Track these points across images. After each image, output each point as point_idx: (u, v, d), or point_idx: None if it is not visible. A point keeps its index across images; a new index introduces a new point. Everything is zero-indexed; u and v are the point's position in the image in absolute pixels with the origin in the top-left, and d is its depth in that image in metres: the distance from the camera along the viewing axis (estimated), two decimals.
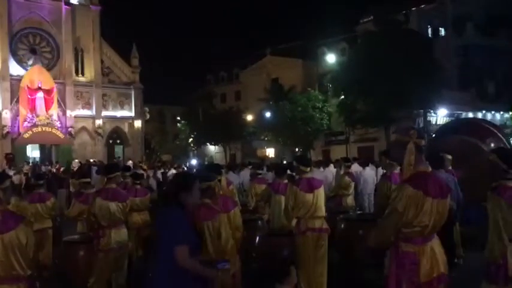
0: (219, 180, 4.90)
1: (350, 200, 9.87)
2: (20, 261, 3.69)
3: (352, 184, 9.91)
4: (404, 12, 31.68)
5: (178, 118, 46.86)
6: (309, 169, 6.08)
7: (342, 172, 10.35)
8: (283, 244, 6.33)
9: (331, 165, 12.97)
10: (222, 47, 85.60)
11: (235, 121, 40.49)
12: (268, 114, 36.23)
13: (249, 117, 40.75)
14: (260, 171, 9.78)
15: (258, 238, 6.92)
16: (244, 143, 42.89)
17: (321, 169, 12.34)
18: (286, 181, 7.35)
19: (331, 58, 34.33)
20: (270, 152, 40.96)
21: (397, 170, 5.98)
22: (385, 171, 7.32)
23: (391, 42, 24.57)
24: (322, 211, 5.91)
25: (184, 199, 3.62)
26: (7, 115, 30.33)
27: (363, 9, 36.30)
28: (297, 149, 36.02)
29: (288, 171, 7.72)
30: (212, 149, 47.38)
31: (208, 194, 4.41)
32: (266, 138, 38.82)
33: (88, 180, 8.00)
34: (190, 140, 45.22)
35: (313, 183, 5.88)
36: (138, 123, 36.69)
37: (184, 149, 46.77)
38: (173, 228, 3.51)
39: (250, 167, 12.86)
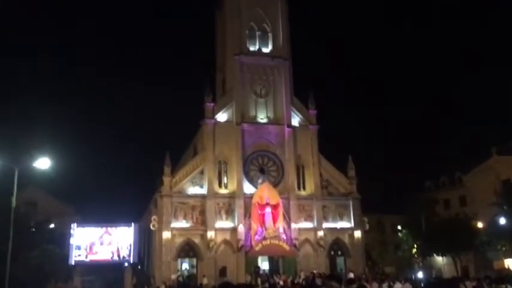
0: None
1: None
2: None
3: None
4: None
5: (399, 227, 44.94)
6: None
7: None
8: None
9: None
10: (439, 151, 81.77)
11: (464, 229, 36.78)
12: (502, 221, 32.09)
13: (480, 225, 36.67)
14: (503, 286, 8.56)
15: None
16: (477, 254, 38.25)
17: None
18: None
19: None
20: (510, 264, 35.46)
21: None
22: None
23: None
24: None
25: None
26: (241, 230, 33.79)
27: None
28: None
29: None
30: (440, 260, 43.43)
31: None
32: (504, 248, 33.99)
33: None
34: (414, 250, 42.45)
35: None
36: (357, 234, 36.55)
37: (407, 260, 43.98)
38: None
39: (487, 281, 11.36)
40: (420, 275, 38.86)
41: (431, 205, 43.18)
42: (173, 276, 31.31)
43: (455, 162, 45.93)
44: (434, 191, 48.48)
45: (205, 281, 24.95)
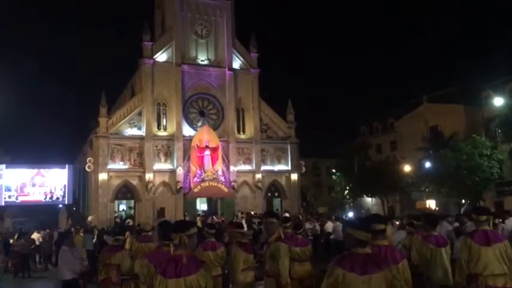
0: (384, 230, 4.82)
1: None
2: None
3: None
4: None
5: (333, 170, 46.92)
6: (485, 218, 5.59)
7: None
8: None
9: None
10: (375, 97, 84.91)
11: (392, 172, 39.03)
12: (428, 164, 34.24)
13: (407, 168, 38.98)
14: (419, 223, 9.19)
15: None
16: (402, 195, 40.92)
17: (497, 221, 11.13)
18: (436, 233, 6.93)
19: (498, 101, 31.54)
20: (431, 204, 38.29)
21: None
22: None
23: None
24: (504, 269, 5.33)
25: None
26: (180, 172, 33.83)
27: None
28: (463, 201, 33.08)
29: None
30: (369, 201, 46.11)
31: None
32: (426, 190, 36.54)
33: (243, 231, 8.47)
34: (346, 192, 44.73)
35: (491, 236, 5.39)
36: (294, 177, 37.72)
37: (340, 201, 46.39)
38: None
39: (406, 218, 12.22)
40: (351, 214, 41.24)
41: (365, 149, 45.27)
42: (90, 218, 31.23)
43: (389, 109, 47.89)
44: (368, 135, 50.56)
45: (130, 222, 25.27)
